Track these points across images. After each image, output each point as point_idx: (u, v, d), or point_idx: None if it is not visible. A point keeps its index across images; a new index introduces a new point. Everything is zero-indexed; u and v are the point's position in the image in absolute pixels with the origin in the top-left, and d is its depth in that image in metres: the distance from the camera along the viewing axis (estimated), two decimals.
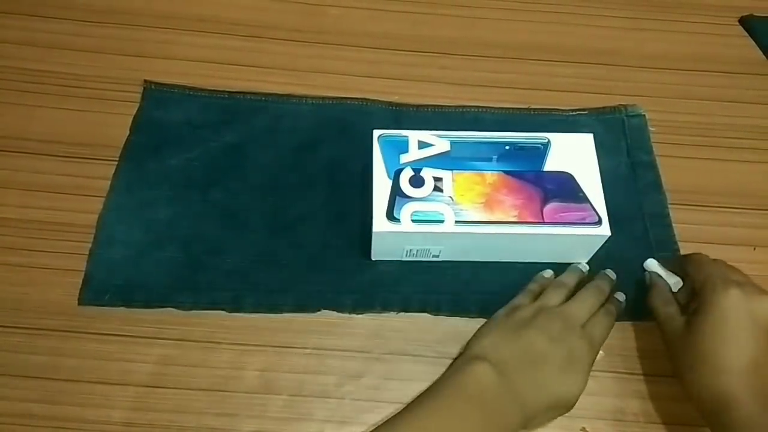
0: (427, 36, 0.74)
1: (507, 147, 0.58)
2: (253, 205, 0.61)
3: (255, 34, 0.73)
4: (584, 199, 0.55)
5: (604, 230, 0.54)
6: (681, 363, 0.50)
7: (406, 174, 0.56)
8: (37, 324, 0.54)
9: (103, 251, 0.58)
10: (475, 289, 0.58)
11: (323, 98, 0.68)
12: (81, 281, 0.56)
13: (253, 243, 0.59)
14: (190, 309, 0.56)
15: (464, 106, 0.68)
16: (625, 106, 0.69)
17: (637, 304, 0.57)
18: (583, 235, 0.54)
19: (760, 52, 0.75)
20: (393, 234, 0.54)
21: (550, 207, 0.55)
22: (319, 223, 0.61)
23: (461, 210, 0.54)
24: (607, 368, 0.55)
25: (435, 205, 0.55)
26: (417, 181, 0.55)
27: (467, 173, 0.56)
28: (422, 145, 0.57)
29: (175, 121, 0.66)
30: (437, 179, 0.56)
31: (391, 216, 0.54)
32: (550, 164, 0.57)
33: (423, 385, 0.53)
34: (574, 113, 0.68)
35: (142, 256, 0.58)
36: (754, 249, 0.62)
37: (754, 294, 0.49)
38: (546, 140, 0.58)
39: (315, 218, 0.61)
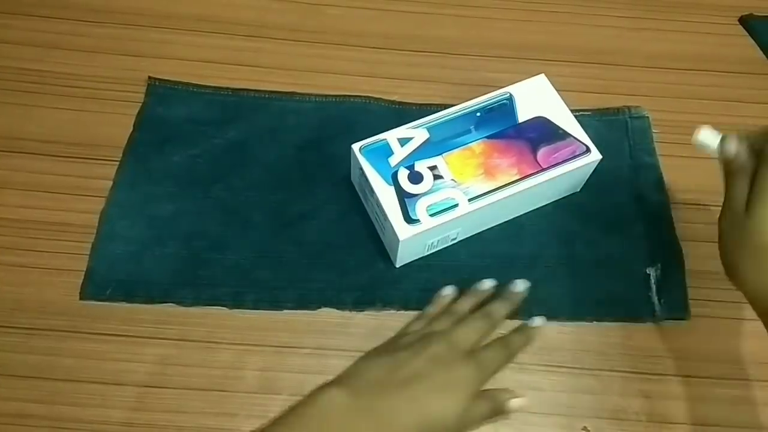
0: (428, 36, 0.74)
1: (478, 114, 0.59)
2: (255, 202, 0.61)
3: (255, 33, 0.73)
4: (566, 135, 0.58)
5: (595, 155, 0.58)
6: (737, 254, 0.46)
7: (403, 174, 0.56)
8: (36, 324, 0.54)
9: (105, 246, 0.58)
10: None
11: (326, 96, 0.68)
12: (80, 280, 0.56)
13: (254, 240, 0.59)
14: (192, 305, 0.56)
15: None
16: (628, 107, 0.69)
17: (636, 305, 0.57)
18: (579, 167, 0.57)
19: (761, 52, 0.75)
20: (417, 236, 0.54)
21: (541, 153, 0.57)
22: (320, 221, 0.61)
23: (468, 188, 0.55)
24: (608, 367, 0.55)
25: (442, 193, 0.55)
26: (415, 177, 0.56)
27: (456, 152, 0.57)
28: (403, 141, 0.58)
29: (179, 117, 0.66)
30: (432, 168, 0.56)
31: (408, 219, 0.54)
32: (522, 115, 0.59)
33: None
34: (576, 113, 0.68)
35: (145, 251, 0.58)
36: None
37: None
38: (508, 94, 0.60)
39: (316, 216, 0.61)
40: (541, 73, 0.62)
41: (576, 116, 0.67)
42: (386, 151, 0.57)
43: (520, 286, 0.55)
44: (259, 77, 0.69)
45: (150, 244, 0.58)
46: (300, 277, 0.58)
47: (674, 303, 0.58)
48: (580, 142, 0.58)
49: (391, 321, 0.56)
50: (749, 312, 0.57)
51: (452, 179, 0.56)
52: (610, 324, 0.57)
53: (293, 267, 0.58)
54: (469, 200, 0.55)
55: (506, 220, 0.61)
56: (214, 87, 0.68)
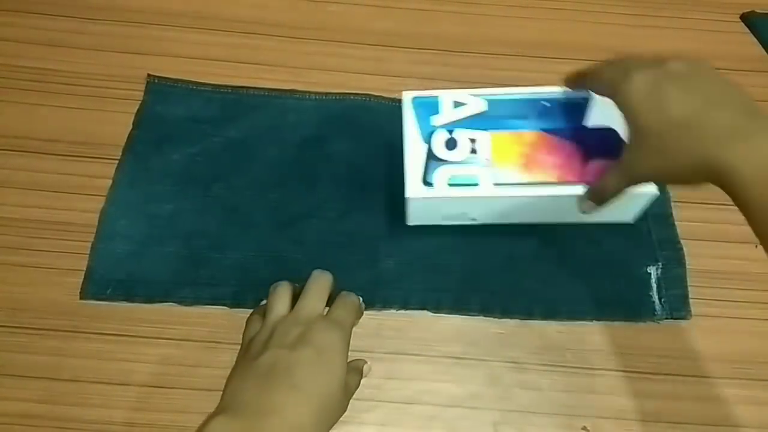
0: (429, 33, 0.74)
1: (546, 103, 0.55)
2: (255, 201, 0.61)
3: (255, 31, 0.72)
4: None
5: (651, 188, 0.52)
6: (654, 163, 0.45)
7: (441, 136, 0.54)
8: (38, 324, 0.54)
9: (105, 246, 0.58)
10: (475, 286, 0.58)
11: (326, 94, 0.68)
12: (82, 278, 0.56)
13: (255, 239, 0.59)
14: (192, 305, 0.56)
15: None
16: None
17: (637, 304, 0.57)
18: (628, 193, 0.50)
19: (762, 49, 0.75)
20: (427, 200, 0.53)
21: (593, 165, 0.52)
22: (321, 220, 0.61)
23: (499, 172, 0.53)
24: (608, 367, 0.55)
25: (471, 168, 0.53)
26: (451, 144, 0.54)
27: (504, 133, 0.54)
28: (456, 104, 0.56)
29: (178, 115, 0.66)
30: (473, 141, 0.54)
31: (425, 181, 0.53)
32: (592, 120, 0.54)
33: (423, 384, 0.53)
34: None
35: (145, 250, 0.58)
36: (757, 246, 0.61)
37: (654, 63, 0.45)
38: (587, 94, 0.55)
39: (317, 215, 0.61)
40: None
41: None
42: (435, 108, 0.56)
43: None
44: (259, 75, 0.69)
45: (150, 244, 0.59)
46: (300, 277, 0.57)
47: (675, 302, 0.58)
48: None
49: (391, 321, 0.56)
50: (750, 311, 0.58)
51: (487, 158, 0.53)
52: (610, 323, 0.57)
53: (293, 266, 0.58)
54: (495, 184, 0.52)
55: (538, 222, 0.57)
56: (214, 85, 0.68)
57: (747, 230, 0.62)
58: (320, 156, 0.64)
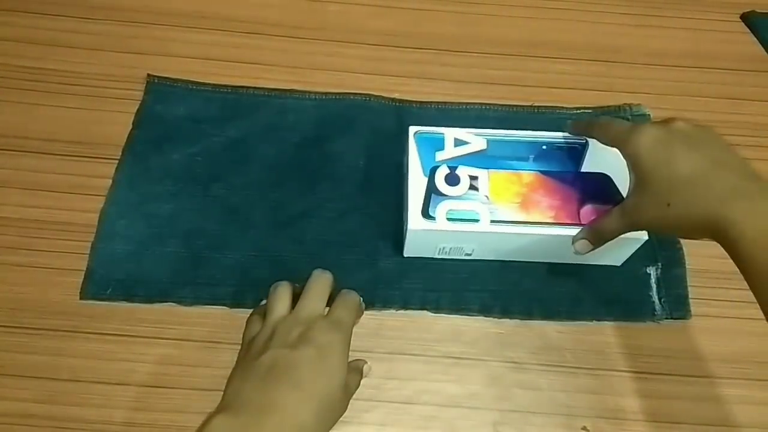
0: (429, 33, 0.74)
1: (544, 147, 0.58)
2: (254, 201, 0.61)
3: (255, 30, 0.72)
4: (622, 201, 0.53)
5: (641, 234, 0.54)
6: (656, 216, 0.48)
7: (442, 172, 0.56)
8: (38, 324, 0.54)
9: (105, 245, 0.58)
10: (475, 286, 0.58)
11: (326, 94, 0.68)
12: (82, 278, 0.56)
13: (254, 239, 0.59)
14: (192, 305, 0.56)
15: (467, 103, 0.68)
16: (629, 105, 0.68)
17: (637, 304, 0.58)
18: (619, 238, 0.52)
19: (762, 49, 0.75)
20: (427, 232, 0.54)
21: (587, 209, 0.55)
22: (320, 220, 0.61)
23: (497, 209, 0.54)
24: (608, 367, 0.55)
25: (470, 203, 0.55)
26: (452, 179, 0.56)
27: (503, 172, 0.56)
28: (458, 142, 0.58)
29: (178, 115, 0.66)
30: (473, 178, 0.56)
31: (426, 214, 0.54)
32: (588, 165, 0.57)
33: (422, 384, 0.53)
34: (578, 111, 0.68)
35: (144, 250, 0.58)
36: None
37: (662, 124, 0.48)
38: (584, 140, 0.58)
39: (317, 214, 0.61)
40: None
41: (577, 114, 0.68)
42: (439, 144, 0.57)
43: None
44: (259, 74, 0.69)
45: (149, 244, 0.58)
46: (300, 277, 0.57)
47: (675, 302, 0.58)
48: None
49: (391, 321, 0.56)
50: (750, 311, 0.58)
51: (486, 195, 0.55)
52: (610, 323, 0.57)
53: (293, 266, 0.58)
54: (491, 221, 0.54)
55: (531, 260, 0.58)
56: (214, 84, 0.68)
57: None
58: (320, 156, 0.64)
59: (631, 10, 0.77)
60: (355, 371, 0.49)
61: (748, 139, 0.67)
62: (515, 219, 0.54)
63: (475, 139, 0.58)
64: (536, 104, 0.68)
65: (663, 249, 0.60)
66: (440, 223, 0.54)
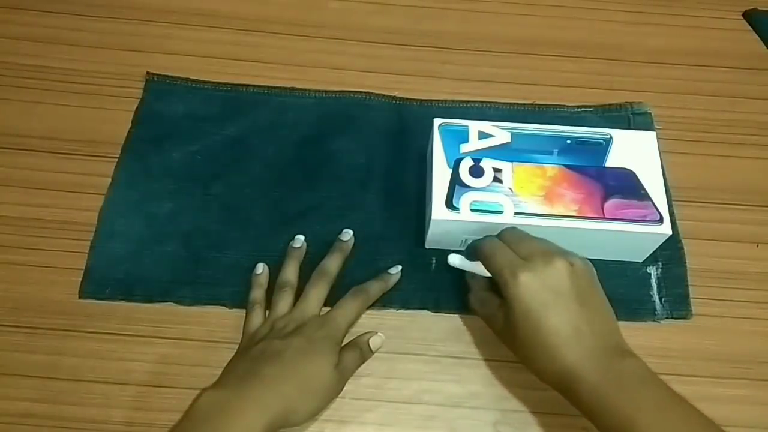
0: (429, 30, 0.73)
1: (568, 141, 0.58)
2: (254, 199, 0.61)
3: (255, 28, 0.72)
4: (646, 197, 0.55)
5: (665, 229, 0.54)
6: (519, 354, 0.50)
7: (466, 163, 0.56)
8: (37, 323, 0.54)
9: (104, 245, 0.58)
10: None
11: (326, 91, 0.68)
12: (81, 277, 0.56)
13: (254, 238, 0.59)
14: (191, 304, 0.56)
15: (468, 102, 0.68)
16: (631, 103, 0.68)
17: (637, 304, 0.58)
18: (643, 232, 0.54)
19: (764, 46, 0.74)
20: (450, 222, 0.54)
21: (611, 203, 0.55)
22: (320, 219, 0.60)
23: (521, 202, 0.55)
24: None
25: (494, 195, 0.55)
26: (476, 171, 0.56)
27: (527, 165, 0.56)
28: (482, 135, 0.57)
29: (178, 113, 0.66)
30: (497, 170, 0.56)
31: (450, 204, 0.54)
32: (612, 160, 0.57)
33: (423, 384, 0.53)
34: (579, 110, 0.68)
35: (144, 250, 0.58)
36: (758, 246, 0.62)
37: (542, 268, 0.48)
38: (608, 136, 0.58)
39: (317, 213, 0.61)
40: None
41: (578, 112, 0.68)
42: (463, 137, 0.57)
43: (394, 270, 0.57)
44: (259, 72, 0.69)
45: (149, 243, 0.58)
46: (300, 276, 0.58)
47: (675, 302, 0.58)
48: (657, 210, 0.54)
49: (391, 321, 0.56)
50: (751, 311, 0.58)
51: (510, 188, 0.55)
52: None
53: None
54: (515, 213, 0.54)
55: None
56: (213, 82, 0.68)
57: (747, 230, 0.63)
58: (320, 154, 0.64)
59: (633, 8, 0.77)
60: (353, 347, 0.52)
61: (749, 138, 0.67)
62: (539, 211, 0.54)
63: (500, 132, 0.58)
64: (537, 102, 0.68)
65: (664, 248, 0.59)
66: (464, 213, 0.54)
